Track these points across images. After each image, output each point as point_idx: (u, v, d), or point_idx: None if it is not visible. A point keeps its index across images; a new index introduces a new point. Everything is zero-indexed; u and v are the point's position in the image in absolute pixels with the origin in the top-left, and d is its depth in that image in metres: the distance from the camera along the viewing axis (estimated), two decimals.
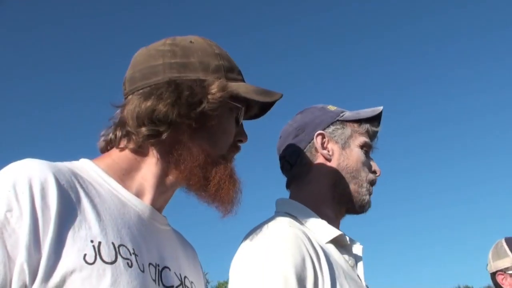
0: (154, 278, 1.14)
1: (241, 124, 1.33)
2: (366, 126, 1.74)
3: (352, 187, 1.67)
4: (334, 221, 1.65)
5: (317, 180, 1.68)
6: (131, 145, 1.21)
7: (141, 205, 1.20)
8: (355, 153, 1.69)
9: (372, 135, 1.76)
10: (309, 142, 1.71)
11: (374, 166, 1.74)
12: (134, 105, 1.19)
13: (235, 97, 1.25)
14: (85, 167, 1.18)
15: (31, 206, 0.99)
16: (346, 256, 1.59)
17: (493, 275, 2.75)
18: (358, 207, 1.69)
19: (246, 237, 1.48)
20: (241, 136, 1.32)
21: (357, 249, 1.65)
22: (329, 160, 1.69)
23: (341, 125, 1.72)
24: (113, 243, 1.07)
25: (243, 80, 1.32)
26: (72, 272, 0.99)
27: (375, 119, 1.76)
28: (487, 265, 2.82)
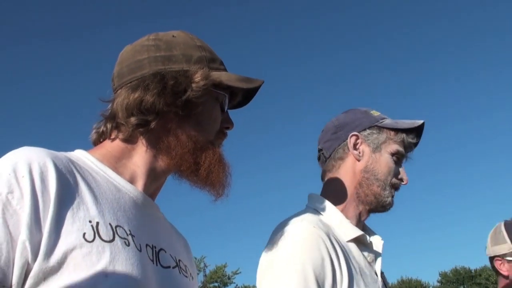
0: (151, 258, 1.20)
1: (227, 111, 1.40)
2: (402, 136, 1.84)
3: (375, 188, 1.79)
4: (358, 219, 1.80)
5: (344, 177, 1.83)
6: (122, 135, 1.28)
7: (135, 191, 1.25)
8: (384, 159, 1.81)
9: (407, 145, 1.86)
10: (344, 141, 1.85)
11: (403, 174, 1.85)
12: (123, 97, 1.26)
13: (218, 85, 1.32)
14: (80, 156, 1.24)
15: (31, 188, 1.05)
16: (366, 253, 1.74)
17: (491, 259, 2.73)
18: (380, 207, 1.82)
19: (275, 232, 1.65)
20: (227, 123, 1.38)
21: (378, 245, 1.80)
22: (358, 161, 1.82)
23: (377, 131, 1.84)
24: (110, 224, 1.13)
25: (225, 70, 1.38)
26: (72, 249, 1.04)
27: (413, 131, 1.86)
28: (486, 248, 2.79)
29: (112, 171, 1.24)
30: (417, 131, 1.89)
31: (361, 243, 1.74)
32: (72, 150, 1.27)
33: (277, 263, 1.53)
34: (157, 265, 1.21)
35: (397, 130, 1.84)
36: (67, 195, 1.10)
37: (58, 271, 1.02)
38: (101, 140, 1.33)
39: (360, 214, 1.80)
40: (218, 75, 1.32)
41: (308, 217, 1.66)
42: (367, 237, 1.77)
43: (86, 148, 1.30)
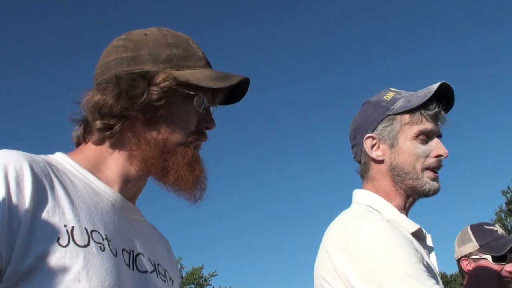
0: (128, 263, 1.19)
1: (208, 110, 1.33)
2: (419, 113, 1.70)
3: (409, 182, 1.70)
4: (404, 211, 1.74)
5: (379, 180, 1.75)
6: (93, 139, 1.26)
7: (114, 194, 1.24)
8: (406, 148, 1.70)
9: (433, 118, 1.72)
10: (362, 145, 1.77)
11: (437, 149, 1.71)
12: (86, 100, 1.25)
13: (188, 85, 1.26)
14: (59, 159, 1.23)
15: (6, 191, 1.03)
16: (423, 247, 1.68)
17: (458, 262, 2.76)
18: (423, 196, 1.74)
19: (344, 239, 1.56)
20: (206, 123, 1.32)
21: (429, 239, 1.74)
22: (382, 161, 1.74)
23: (390, 121, 1.73)
24: (85, 228, 1.12)
25: (204, 67, 1.32)
26: (46, 254, 1.03)
27: (431, 100, 1.70)
28: (454, 253, 2.81)
29: (91, 174, 1.23)
30: (440, 95, 1.72)
31: (418, 237, 1.68)
32: (53, 153, 1.26)
33: (383, 271, 1.45)
34: (133, 269, 1.20)
35: (411, 111, 1.71)
36: (42, 199, 1.08)
37: (31, 276, 1.01)
38: (80, 142, 1.31)
39: (405, 207, 1.75)
40: (188, 75, 1.27)
41: (375, 215, 1.62)
42: (423, 230, 1.71)
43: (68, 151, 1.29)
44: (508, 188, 21.67)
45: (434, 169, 1.72)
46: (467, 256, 2.69)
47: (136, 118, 1.24)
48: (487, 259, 2.60)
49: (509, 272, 2.56)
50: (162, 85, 1.23)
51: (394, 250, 1.48)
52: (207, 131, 1.33)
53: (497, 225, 2.78)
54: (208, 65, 1.34)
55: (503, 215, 22.04)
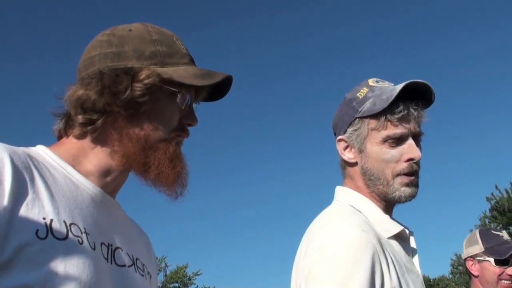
0: (106, 257, 1.19)
1: (190, 107, 1.34)
2: (384, 118, 1.61)
3: (380, 187, 1.64)
4: (387, 211, 1.68)
5: (355, 179, 1.70)
6: (75, 133, 1.27)
7: (94, 188, 1.25)
8: (374, 153, 1.63)
9: (402, 120, 1.61)
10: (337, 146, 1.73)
11: (409, 153, 1.61)
12: (69, 95, 1.25)
13: (172, 82, 1.27)
14: (40, 152, 1.23)
15: None
16: (405, 248, 1.65)
17: (465, 261, 2.97)
18: (396, 202, 1.67)
19: (318, 234, 1.54)
20: (188, 119, 1.33)
21: (413, 241, 1.70)
22: (355, 164, 1.69)
23: (358, 125, 1.66)
24: (64, 221, 1.12)
25: (188, 64, 1.33)
26: (24, 246, 1.03)
27: (399, 102, 1.60)
28: (462, 253, 3.05)
29: (72, 168, 1.23)
30: (415, 91, 1.62)
31: (401, 238, 1.64)
32: (34, 145, 1.26)
33: (326, 275, 1.43)
34: (111, 263, 1.20)
35: (376, 116, 1.62)
36: (22, 191, 1.08)
37: (9, 267, 1.01)
38: (62, 135, 1.31)
39: (387, 208, 1.68)
40: (171, 72, 1.27)
41: (353, 220, 1.55)
42: (406, 231, 1.66)
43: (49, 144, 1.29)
44: (492, 194, 21.87)
45: (407, 174, 1.62)
46: (473, 257, 2.91)
47: (118, 113, 1.25)
48: (490, 262, 2.82)
49: (510, 275, 2.76)
50: (146, 81, 1.24)
51: (344, 264, 1.44)
52: (189, 128, 1.34)
53: (503, 232, 3.01)
54: (192, 62, 1.35)
55: (487, 221, 22.25)
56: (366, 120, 1.64)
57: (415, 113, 1.62)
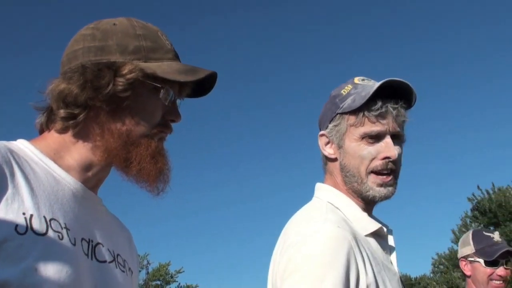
0: (86, 252, 1.18)
1: (174, 103, 1.33)
2: (362, 115, 1.62)
3: (355, 185, 1.65)
4: (366, 208, 1.69)
5: (335, 175, 1.71)
6: (56, 127, 1.26)
7: (75, 183, 1.24)
8: (351, 150, 1.64)
9: (380, 117, 1.62)
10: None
11: (385, 151, 1.61)
12: (51, 89, 1.24)
13: (155, 77, 1.26)
14: (21, 146, 1.22)
15: None
16: (383, 246, 1.66)
17: (459, 261, 3.10)
18: (370, 202, 1.68)
19: (295, 231, 1.55)
20: (171, 115, 1.32)
21: (391, 239, 1.71)
22: (335, 159, 1.70)
23: (338, 121, 1.67)
24: (44, 217, 1.11)
25: (172, 59, 1.32)
26: (3, 242, 1.02)
27: (377, 99, 1.61)
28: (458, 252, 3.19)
29: (53, 162, 1.22)
30: (396, 89, 1.62)
31: (379, 236, 1.65)
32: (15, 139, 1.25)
33: (302, 271, 1.44)
34: (92, 259, 1.20)
35: (354, 112, 1.63)
36: (2, 185, 1.07)
37: None
38: (44, 129, 1.30)
39: (364, 206, 1.68)
40: (155, 67, 1.26)
41: (330, 216, 1.55)
42: (384, 229, 1.67)
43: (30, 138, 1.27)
44: (473, 195, 22.08)
45: (381, 171, 1.62)
46: (465, 257, 3.04)
47: (100, 108, 1.24)
48: (480, 263, 2.94)
49: (499, 276, 2.89)
50: (128, 76, 1.23)
51: (319, 261, 1.45)
52: (172, 124, 1.33)
53: (496, 233, 3.09)
54: (176, 57, 1.34)
55: (468, 220, 22.46)
56: (346, 116, 1.66)
57: (394, 112, 1.63)
